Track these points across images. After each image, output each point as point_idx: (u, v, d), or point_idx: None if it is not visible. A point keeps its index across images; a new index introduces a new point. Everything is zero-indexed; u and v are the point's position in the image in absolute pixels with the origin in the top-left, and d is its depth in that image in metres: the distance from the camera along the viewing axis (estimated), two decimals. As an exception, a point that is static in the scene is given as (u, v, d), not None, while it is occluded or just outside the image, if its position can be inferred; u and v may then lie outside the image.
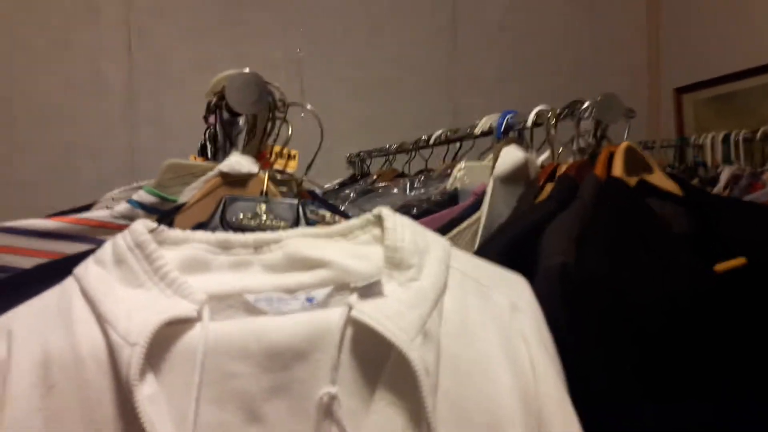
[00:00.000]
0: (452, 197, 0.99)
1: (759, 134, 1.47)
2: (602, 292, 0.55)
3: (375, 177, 1.61)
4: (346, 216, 0.59)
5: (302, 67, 1.98)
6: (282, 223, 0.53)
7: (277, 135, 0.67)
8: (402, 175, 1.52)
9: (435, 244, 0.52)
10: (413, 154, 1.46)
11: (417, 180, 1.08)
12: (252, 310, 0.48)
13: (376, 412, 0.45)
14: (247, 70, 0.58)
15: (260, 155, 0.59)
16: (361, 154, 1.82)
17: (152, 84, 1.92)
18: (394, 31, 2.08)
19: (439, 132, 1.24)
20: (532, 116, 0.86)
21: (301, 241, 0.50)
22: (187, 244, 0.49)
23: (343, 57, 2.05)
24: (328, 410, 0.44)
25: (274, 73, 1.89)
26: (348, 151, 1.94)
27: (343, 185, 1.75)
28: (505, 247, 0.63)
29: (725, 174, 1.51)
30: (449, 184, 1.01)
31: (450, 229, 0.85)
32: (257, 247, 0.50)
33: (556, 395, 0.47)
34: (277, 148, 0.58)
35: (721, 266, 0.66)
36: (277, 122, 0.59)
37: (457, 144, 1.26)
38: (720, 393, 0.60)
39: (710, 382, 0.60)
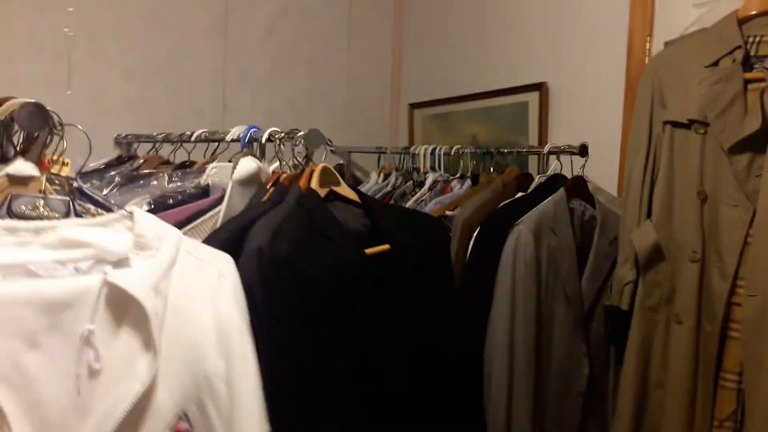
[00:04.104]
0: (204, 191, 1.24)
1: (453, 150, 1.95)
2: (283, 266, 0.85)
3: (141, 161, 1.77)
4: (107, 209, 0.80)
5: (71, 46, 2.02)
6: (56, 214, 0.74)
7: (56, 147, 0.85)
8: (167, 162, 1.70)
9: (170, 233, 0.77)
10: (178, 145, 1.66)
11: (176, 174, 1.29)
12: (33, 275, 0.69)
13: (121, 341, 0.69)
14: (32, 100, 0.76)
15: (40, 162, 0.77)
16: (129, 137, 1.94)
17: None
18: (170, 23, 2.20)
19: (200, 131, 1.47)
20: (266, 135, 1.14)
21: (71, 227, 0.72)
22: (-20, 229, 0.68)
23: (117, 40, 2.11)
24: (87, 340, 0.68)
25: (40, 49, 1.90)
26: (119, 131, 2.04)
27: (108, 166, 1.86)
28: (229, 234, 0.90)
29: (430, 179, 1.97)
30: (203, 180, 1.25)
31: (197, 217, 1.11)
32: (37, 231, 0.71)
33: (239, 330, 0.77)
34: (53, 157, 0.77)
35: (370, 250, 1.01)
36: (56, 138, 0.78)
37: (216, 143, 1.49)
38: (357, 330, 0.95)
39: (351, 324, 0.95)
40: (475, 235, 1.57)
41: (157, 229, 0.76)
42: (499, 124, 2.19)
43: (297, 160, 1.08)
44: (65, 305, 0.68)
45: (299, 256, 0.87)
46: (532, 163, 2.00)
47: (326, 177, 1.05)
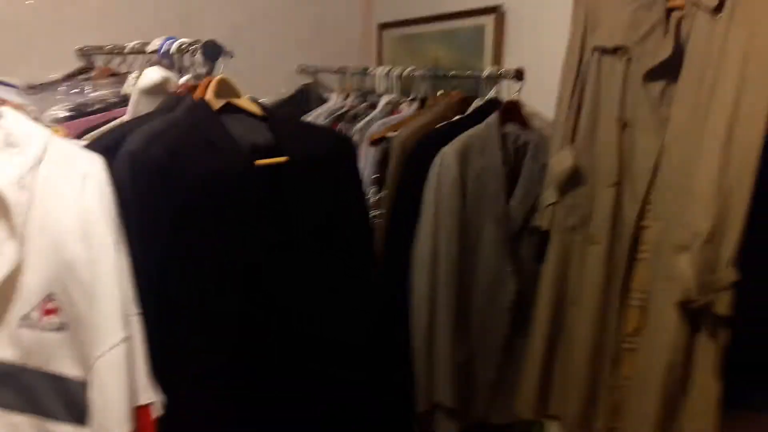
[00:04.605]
0: (125, 99, 1.27)
1: (405, 73, 1.94)
2: (155, 170, 0.90)
3: (94, 73, 1.79)
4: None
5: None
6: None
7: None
8: (114, 74, 1.72)
9: (39, 133, 0.82)
10: (124, 57, 1.67)
11: (101, 83, 1.32)
12: None
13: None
14: None
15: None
16: (87, 49, 1.95)
17: None
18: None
19: (133, 43, 1.48)
20: (175, 46, 1.16)
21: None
22: None
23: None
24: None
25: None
26: (81, 43, 2.05)
27: (69, 77, 1.89)
28: (111, 139, 0.95)
29: (383, 101, 1.98)
30: (122, 90, 1.28)
31: (105, 124, 1.15)
32: None
33: (102, 222, 0.82)
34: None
35: (261, 161, 1.05)
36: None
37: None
38: (244, 242, 1.01)
39: (237, 236, 1.00)
40: (407, 155, 1.61)
41: (27, 128, 0.81)
42: (459, 48, 2.17)
43: (199, 72, 1.11)
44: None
45: (174, 162, 0.91)
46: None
47: (224, 88, 1.08)
